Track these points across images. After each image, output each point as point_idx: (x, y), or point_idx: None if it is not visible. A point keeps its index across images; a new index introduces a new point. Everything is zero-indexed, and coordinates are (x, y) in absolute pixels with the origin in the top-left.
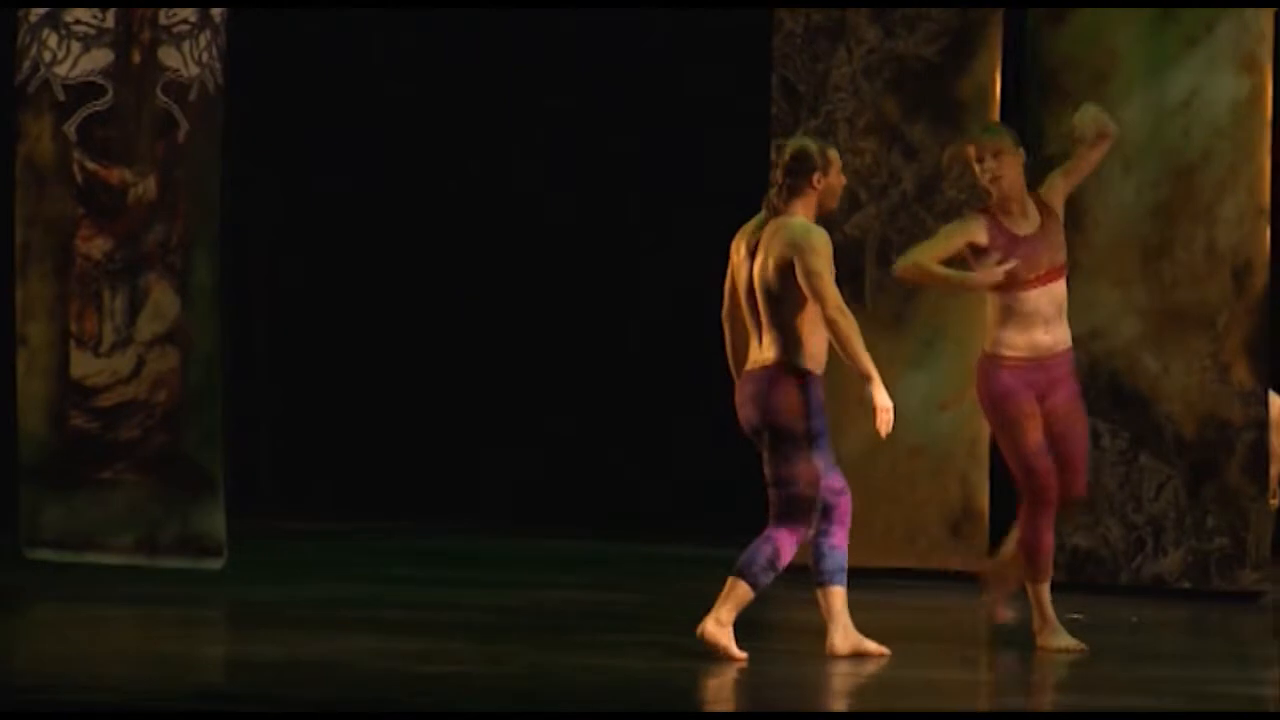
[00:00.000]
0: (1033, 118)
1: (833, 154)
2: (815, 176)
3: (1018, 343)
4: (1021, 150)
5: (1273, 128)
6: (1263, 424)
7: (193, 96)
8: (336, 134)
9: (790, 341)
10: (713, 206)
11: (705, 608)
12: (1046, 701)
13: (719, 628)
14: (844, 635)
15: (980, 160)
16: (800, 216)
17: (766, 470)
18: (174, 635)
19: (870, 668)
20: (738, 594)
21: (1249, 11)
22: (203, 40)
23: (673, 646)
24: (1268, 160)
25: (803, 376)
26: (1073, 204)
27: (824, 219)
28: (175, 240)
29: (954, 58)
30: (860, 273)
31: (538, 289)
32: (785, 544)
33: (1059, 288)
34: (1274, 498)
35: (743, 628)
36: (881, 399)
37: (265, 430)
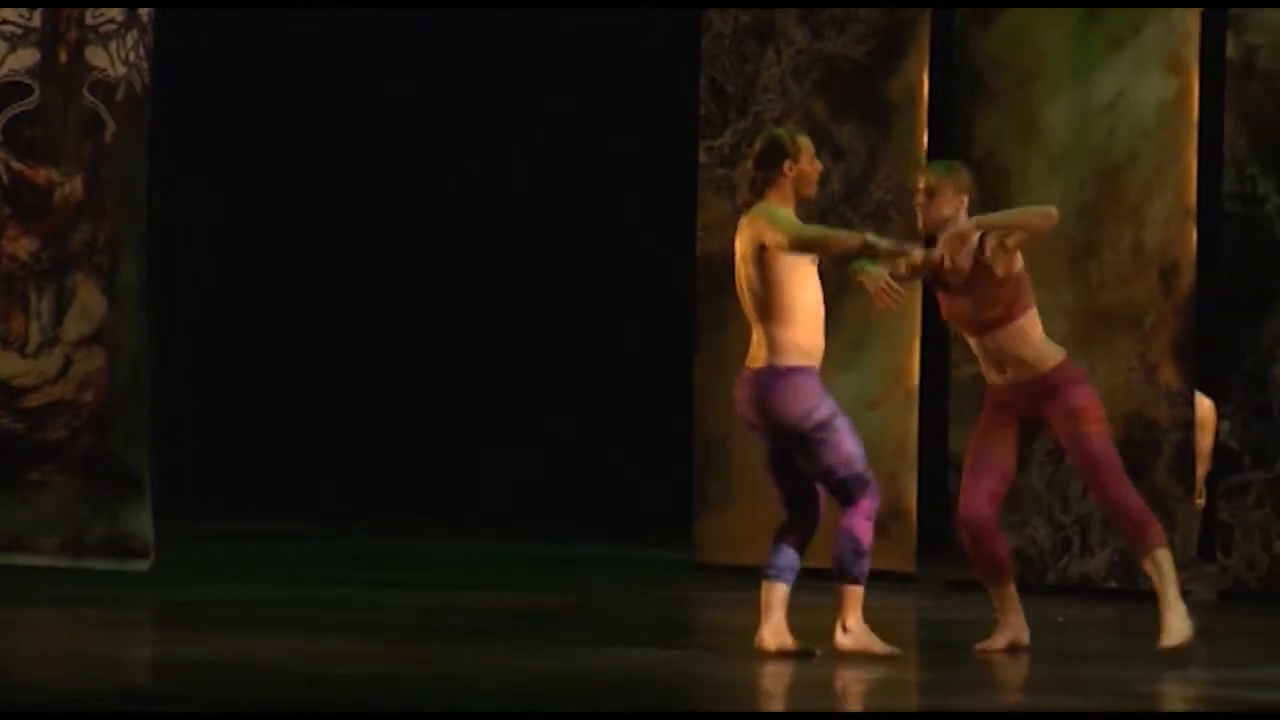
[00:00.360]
0: (961, 118)
1: (803, 141)
2: (787, 164)
3: (987, 372)
4: (963, 195)
5: (1199, 129)
6: (1189, 424)
7: (119, 96)
8: (268, 133)
9: (777, 339)
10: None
11: (629, 607)
12: (975, 701)
13: (848, 635)
14: (774, 633)
15: (915, 192)
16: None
17: (808, 468)
18: (100, 636)
19: (797, 667)
20: (849, 597)
21: (1175, 12)
22: (130, 40)
23: (595, 648)
24: (1194, 161)
25: (795, 373)
26: (998, 203)
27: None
28: (102, 240)
29: (882, 58)
30: None
31: (456, 291)
32: (859, 526)
33: (991, 341)
34: (1200, 498)
35: (667, 630)
36: (913, 253)
37: (191, 431)
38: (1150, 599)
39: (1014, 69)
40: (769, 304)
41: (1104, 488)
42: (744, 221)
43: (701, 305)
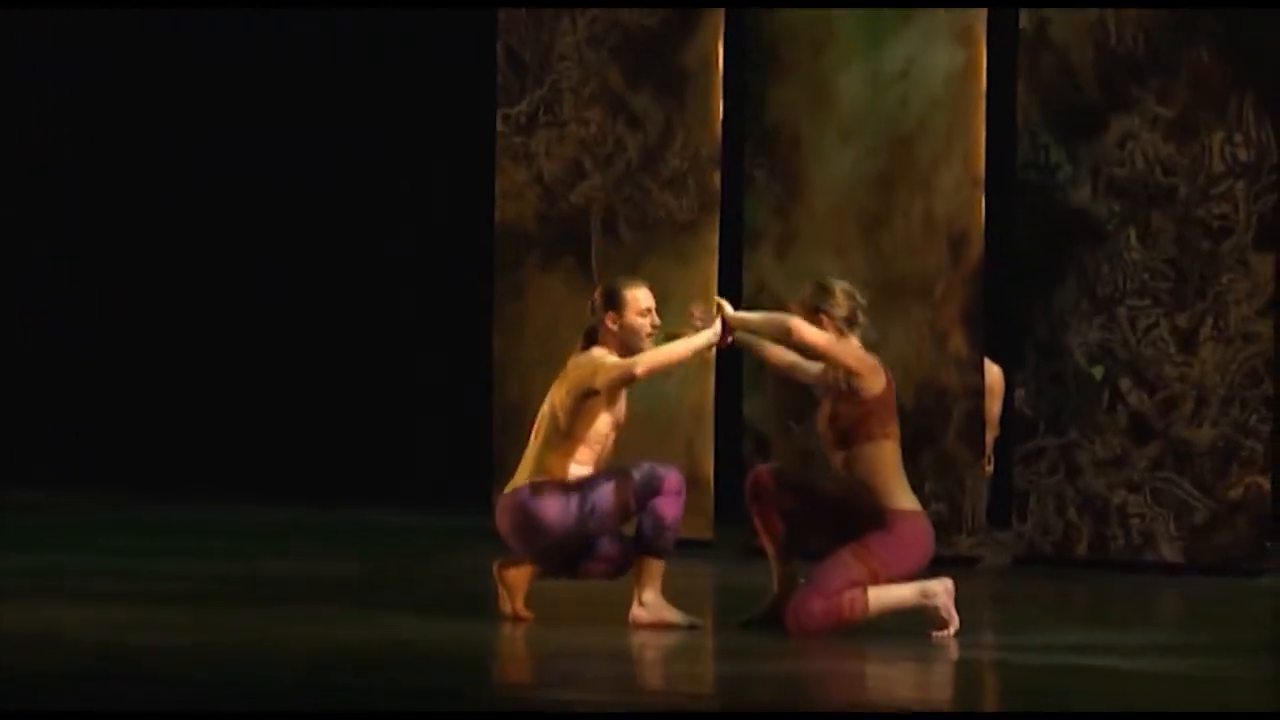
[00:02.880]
0: (753, 88)
1: (632, 294)
2: (610, 316)
3: None
4: (820, 314)
5: (993, 99)
6: (979, 392)
7: None
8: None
9: (546, 464)
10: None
11: (428, 577)
12: (766, 668)
13: (644, 608)
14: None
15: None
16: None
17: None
18: None
19: (596, 637)
20: (649, 570)
21: None
22: None
23: (390, 617)
24: (983, 131)
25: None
26: (792, 172)
27: (550, 190)
28: None
29: (678, 27)
30: (587, 243)
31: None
32: (666, 503)
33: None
34: (989, 464)
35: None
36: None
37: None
38: (939, 563)
39: (805, 38)
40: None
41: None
42: (570, 364)
43: (499, 274)
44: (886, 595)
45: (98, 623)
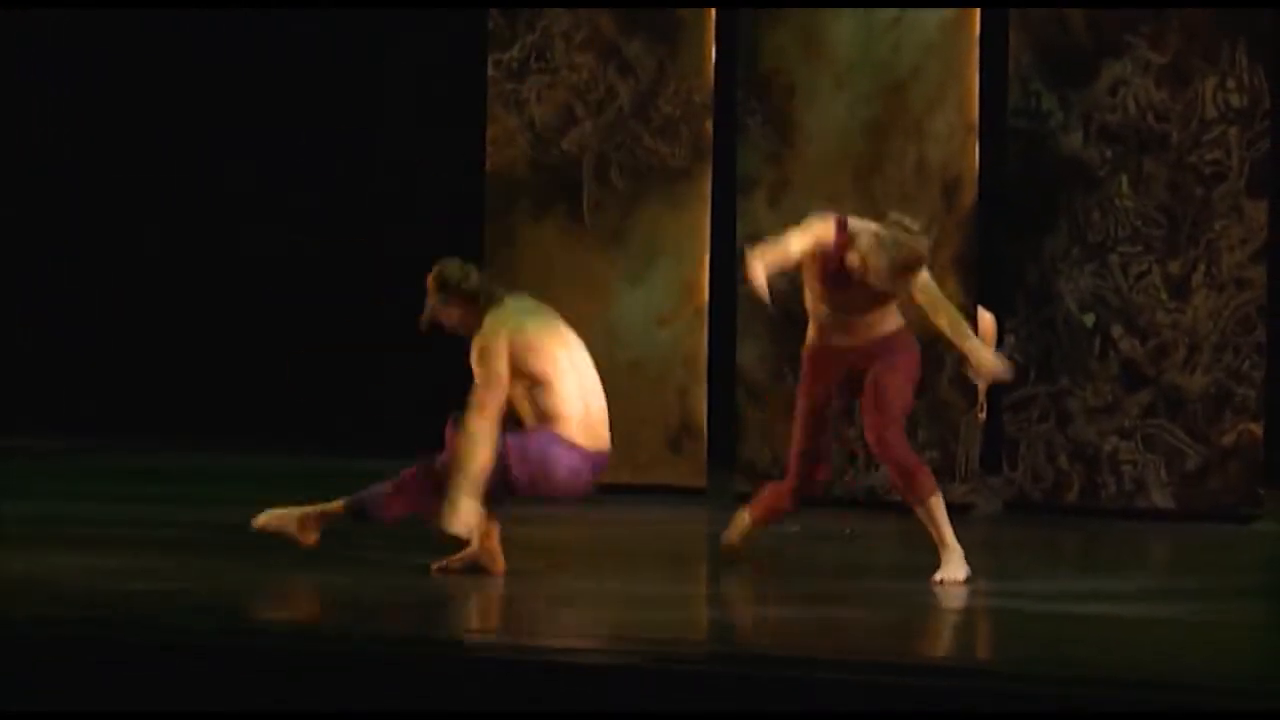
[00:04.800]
0: (746, 34)
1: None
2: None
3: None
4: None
5: (985, 45)
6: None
7: None
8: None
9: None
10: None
11: (413, 523)
12: (762, 613)
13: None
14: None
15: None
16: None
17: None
18: None
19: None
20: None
21: None
22: None
23: (378, 562)
24: (975, 77)
25: None
26: (785, 119)
27: (541, 137)
28: None
29: None
30: (579, 189)
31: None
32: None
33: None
34: (981, 411)
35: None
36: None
37: None
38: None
39: None
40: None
41: (879, 430)
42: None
43: (490, 221)
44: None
45: (85, 569)
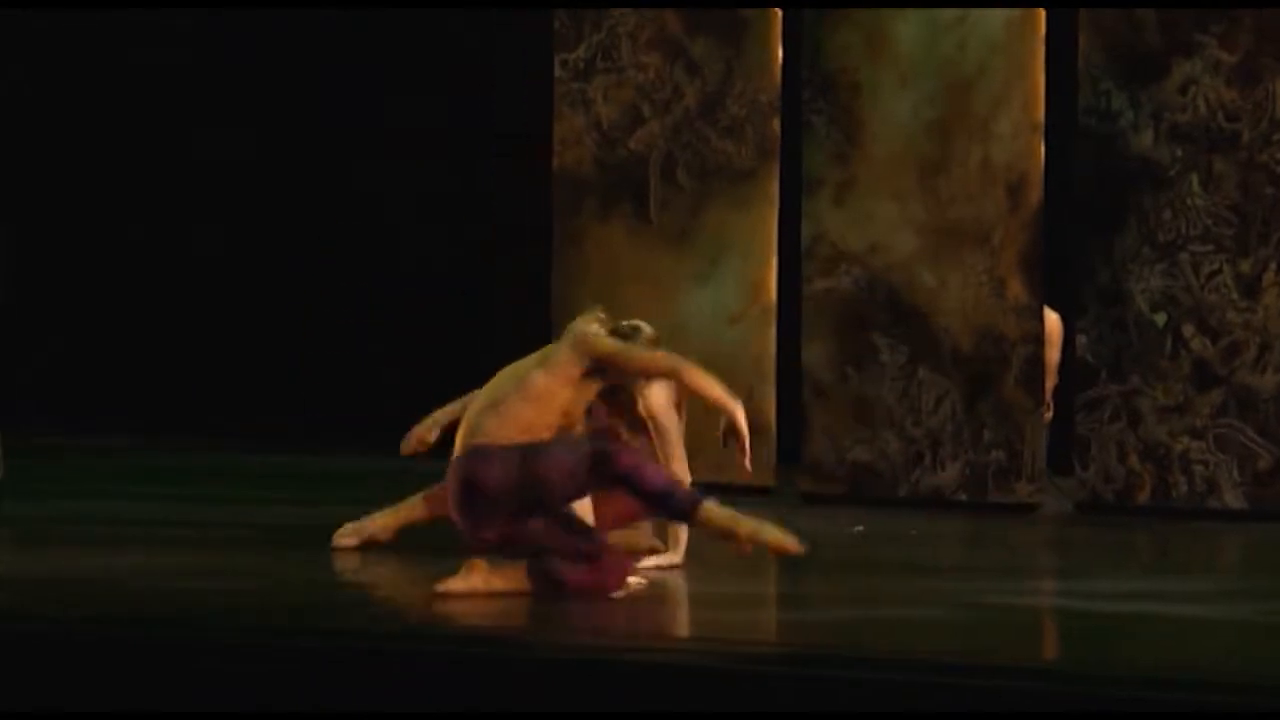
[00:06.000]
0: (811, 34)
1: None
2: None
3: None
4: None
5: (1055, 45)
6: (1038, 338)
7: None
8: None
9: None
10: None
11: None
12: (830, 613)
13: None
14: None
15: None
16: None
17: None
18: None
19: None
20: None
21: None
22: None
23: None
24: (1041, 76)
25: None
26: (850, 118)
27: (608, 136)
28: None
29: None
30: (645, 189)
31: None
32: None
33: None
34: (1048, 411)
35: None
36: None
37: (26, 346)
38: (998, 509)
39: None
40: None
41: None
42: None
43: (557, 220)
44: None
45: (140, 568)
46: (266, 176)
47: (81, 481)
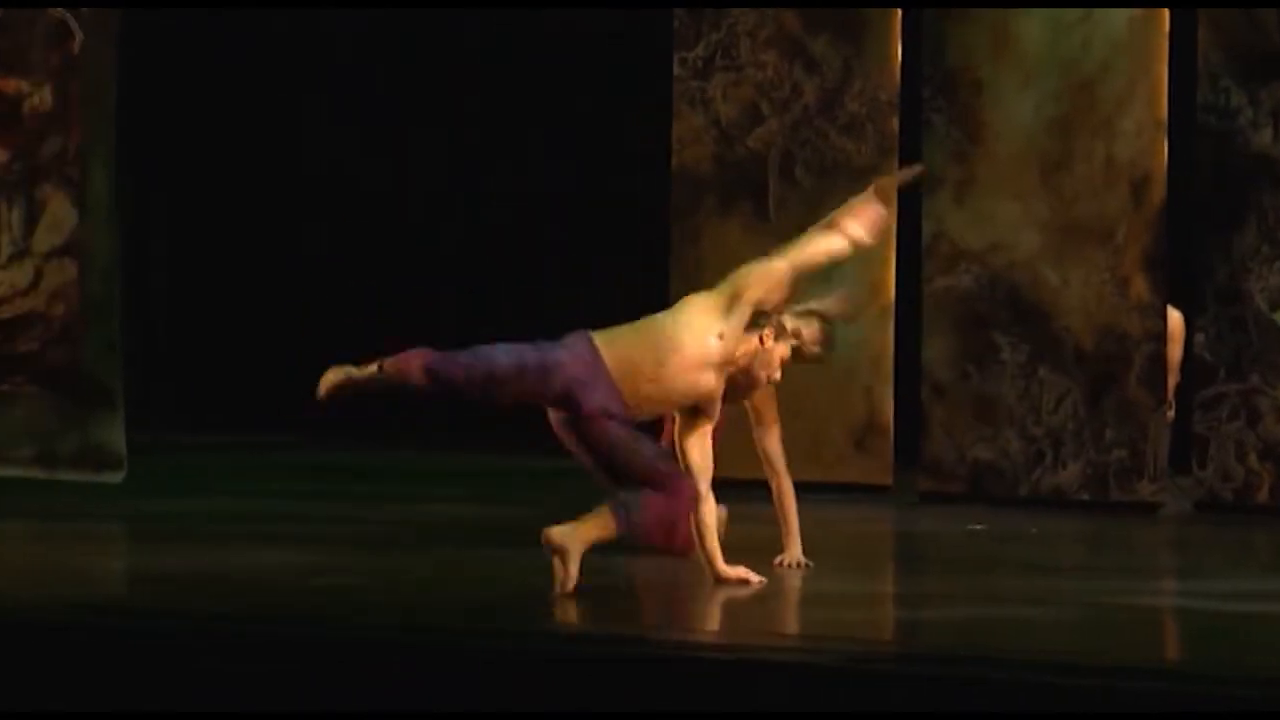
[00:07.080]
0: (931, 31)
1: None
2: None
3: None
4: None
5: (1174, 42)
6: (1161, 337)
7: (87, 6)
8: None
9: None
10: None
11: None
12: (948, 613)
13: None
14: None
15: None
16: None
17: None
18: (73, 549)
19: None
20: None
21: None
22: None
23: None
24: (1165, 73)
25: None
26: (971, 116)
27: (726, 134)
28: (72, 151)
29: None
30: (764, 187)
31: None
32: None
33: None
34: (1171, 410)
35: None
36: None
37: (164, 343)
38: (1120, 509)
39: None
40: None
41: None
42: None
43: (676, 219)
44: None
45: (276, 565)
46: (415, 182)
47: (234, 478)
